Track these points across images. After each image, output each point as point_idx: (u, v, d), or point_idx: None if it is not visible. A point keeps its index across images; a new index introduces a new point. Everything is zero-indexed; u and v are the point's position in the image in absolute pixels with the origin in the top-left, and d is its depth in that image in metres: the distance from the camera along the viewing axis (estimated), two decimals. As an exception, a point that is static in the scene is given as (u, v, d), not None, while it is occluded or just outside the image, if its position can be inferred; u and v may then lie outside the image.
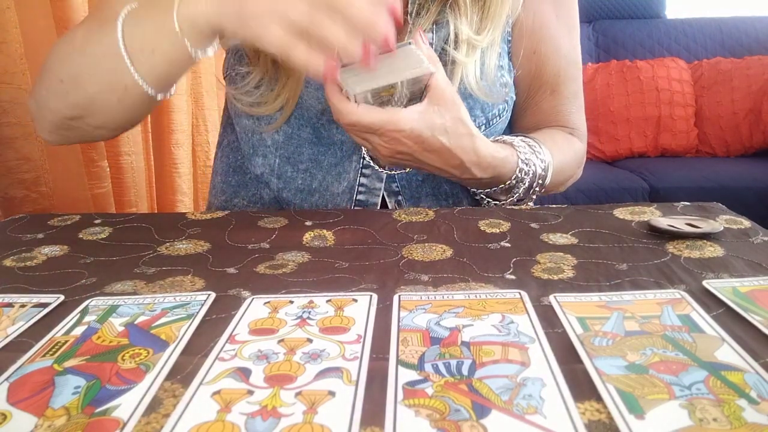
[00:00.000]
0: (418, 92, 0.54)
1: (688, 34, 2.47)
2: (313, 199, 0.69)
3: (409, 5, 0.64)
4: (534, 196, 0.66)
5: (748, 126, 2.26)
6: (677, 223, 0.51)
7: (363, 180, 0.68)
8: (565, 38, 0.72)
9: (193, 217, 0.59)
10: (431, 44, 0.63)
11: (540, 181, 0.64)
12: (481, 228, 0.54)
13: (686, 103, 2.31)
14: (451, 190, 0.70)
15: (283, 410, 0.28)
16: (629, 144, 2.31)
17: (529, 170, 0.63)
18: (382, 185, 0.68)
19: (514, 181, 0.62)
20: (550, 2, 0.70)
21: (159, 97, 0.55)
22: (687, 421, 0.26)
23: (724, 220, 0.54)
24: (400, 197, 0.69)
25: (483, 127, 0.67)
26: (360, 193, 0.68)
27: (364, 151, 0.67)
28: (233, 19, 0.48)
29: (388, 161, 0.59)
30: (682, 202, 0.59)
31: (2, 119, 0.80)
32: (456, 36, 0.63)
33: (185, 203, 1.33)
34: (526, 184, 0.63)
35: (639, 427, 0.26)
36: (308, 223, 0.56)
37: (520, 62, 0.70)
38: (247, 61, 0.66)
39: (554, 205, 0.62)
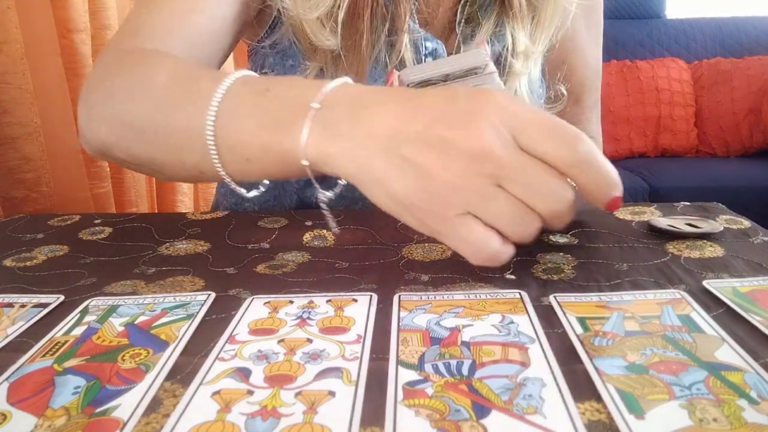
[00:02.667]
0: None
1: (688, 34, 2.47)
2: (357, 207, 0.67)
3: (459, 14, 0.64)
4: None
5: (748, 126, 2.26)
6: (677, 223, 0.51)
7: None
8: (592, 48, 0.72)
9: (193, 217, 0.59)
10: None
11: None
12: (481, 228, 0.54)
13: (686, 103, 2.31)
14: None
15: (283, 410, 0.28)
16: (629, 144, 2.31)
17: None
18: None
19: None
20: (583, 12, 0.69)
21: (251, 194, 0.47)
22: (687, 421, 0.26)
23: (724, 220, 0.54)
24: None
25: None
26: None
27: None
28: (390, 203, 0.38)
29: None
30: (682, 202, 0.59)
31: (3, 119, 0.80)
32: (514, 47, 0.63)
33: (185, 203, 1.33)
34: None
35: (639, 427, 0.26)
36: (308, 223, 0.56)
37: (551, 72, 0.69)
38: (294, 54, 0.63)
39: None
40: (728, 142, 2.30)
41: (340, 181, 0.42)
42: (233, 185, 0.45)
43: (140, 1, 0.59)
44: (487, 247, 0.35)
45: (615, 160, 2.31)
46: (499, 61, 0.64)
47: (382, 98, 0.38)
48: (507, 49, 0.63)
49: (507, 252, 0.37)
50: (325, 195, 0.43)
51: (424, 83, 0.50)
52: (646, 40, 2.46)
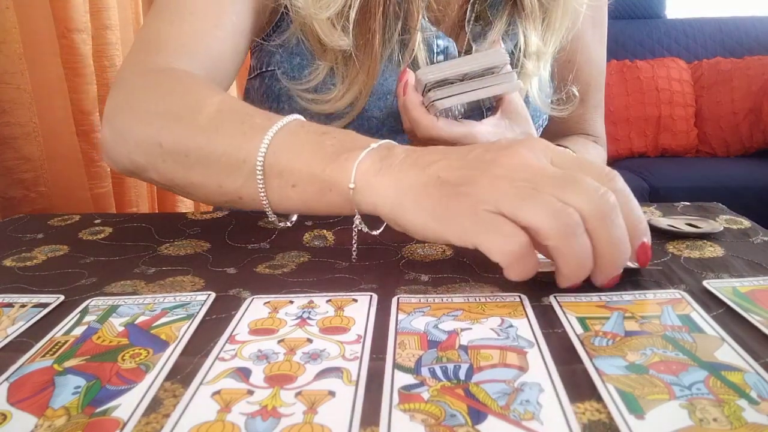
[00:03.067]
0: (485, 102, 0.54)
1: (688, 34, 2.47)
2: None
3: (468, 12, 0.63)
4: None
5: (748, 126, 2.26)
6: (677, 223, 0.51)
7: None
8: (598, 48, 0.72)
9: (193, 217, 0.59)
10: None
11: None
12: (481, 228, 0.54)
13: (686, 103, 2.31)
14: None
15: (283, 410, 0.28)
16: (629, 144, 2.31)
17: None
18: None
19: None
20: (590, 11, 0.69)
21: (281, 225, 0.48)
22: (687, 421, 0.26)
23: (724, 220, 0.54)
24: None
25: None
26: None
27: None
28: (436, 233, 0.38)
29: None
30: (682, 202, 0.59)
31: (1, 119, 0.80)
32: (526, 47, 0.63)
33: (185, 203, 1.33)
34: None
35: (639, 427, 0.26)
36: (308, 223, 0.56)
37: (558, 71, 0.69)
38: (302, 52, 0.62)
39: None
40: (728, 142, 2.29)
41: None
42: (269, 212, 0.46)
43: (158, 14, 0.57)
44: (518, 241, 0.35)
45: (615, 160, 2.31)
46: (511, 61, 0.64)
47: (437, 152, 0.40)
48: (519, 50, 0.63)
49: (533, 261, 0.36)
50: (363, 225, 0.44)
51: (442, 82, 0.50)
52: (646, 40, 2.46)
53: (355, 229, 0.45)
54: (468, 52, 0.62)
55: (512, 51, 0.63)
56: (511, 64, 0.62)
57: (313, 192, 0.43)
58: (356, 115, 0.63)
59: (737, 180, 2.02)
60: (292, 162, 0.43)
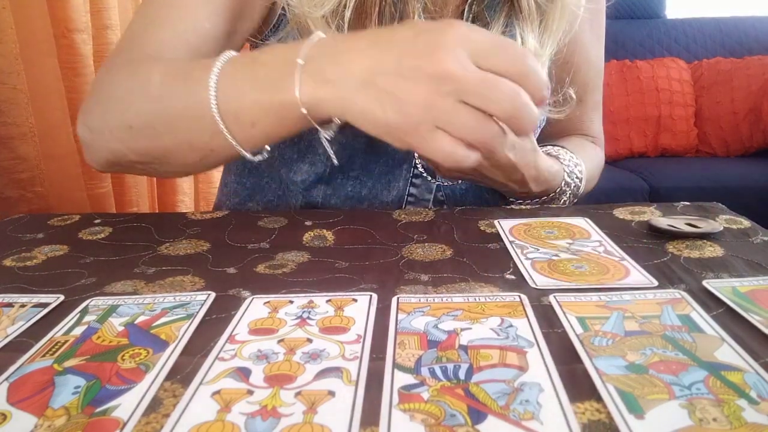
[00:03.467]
0: None
1: (688, 34, 2.47)
2: (362, 207, 0.68)
3: (466, 12, 0.64)
4: (566, 203, 0.67)
5: (748, 126, 2.26)
6: (677, 223, 0.51)
7: (413, 190, 0.67)
8: (595, 48, 0.72)
9: (193, 217, 0.59)
10: None
11: (575, 191, 0.65)
12: (481, 228, 0.54)
13: (686, 103, 2.31)
14: (492, 199, 0.71)
15: (283, 410, 0.28)
16: (629, 144, 2.31)
17: (571, 182, 0.64)
18: (431, 196, 0.68)
19: (557, 193, 0.63)
20: (587, 12, 0.69)
21: (257, 158, 0.50)
22: (687, 421, 0.26)
23: (724, 220, 0.54)
24: (445, 206, 0.69)
25: None
26: (409, 203, 0.68)
27: (416, 160, 0.66)
28: (373, 125, 0.42)
29: (449, 174, 0.59)
30: (682, 202, 0.59)
31: (-1, 119, 0.80)
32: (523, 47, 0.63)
33: (186, 203, 1.33)
34: (567, 195, 0.64)
35: (639, 427, 0.26)
36: (308, 223, 0.56)
37: (556, 72, 0.69)
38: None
39: (554, 205, 0.62)
40: (728, 142, 2.29)
41: (335, 120, 0.46)
42: (245, 153, 0.49)
43: (132, 23, 0.60)
44: (453, 154, 0.40)
45: (615, 160, 2.31)
46: None
47: (355, 43, 0.43)
48: None
49: (472, 156, 0.41)
50: (326, 133, 0.48)
51: None
52: (646, 40, 2.46)
53: (325, 140, 0.49)
54: None
55: None
56: None
57: (272, 124, 0.46)
58: None
59: (737, 180, 2.02)
60: (240, 102, 0.46)
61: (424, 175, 0.67)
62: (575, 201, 0.67)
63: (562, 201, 0.65)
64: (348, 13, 0.58)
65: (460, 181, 0.67)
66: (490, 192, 0.70)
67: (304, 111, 0.44)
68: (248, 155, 0.49)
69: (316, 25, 0.58)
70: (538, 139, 0.74)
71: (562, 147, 0.67)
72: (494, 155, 0.55)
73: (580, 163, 0.66)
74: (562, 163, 0.64)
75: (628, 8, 2.54)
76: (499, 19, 0.63)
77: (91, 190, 0.97)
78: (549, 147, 0.67)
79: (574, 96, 0.68)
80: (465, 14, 0.63)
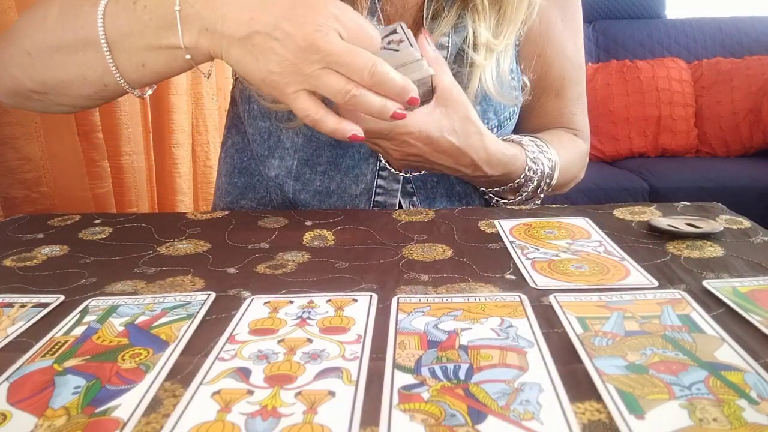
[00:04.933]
0: (427, 94, 0.55)
1: (688, 34, 2.47)
2: (331, 201, 0.69)
3: (425, 9, 0.64)
4: (542, 196, 0.66)
5: (748, 126, 2.26)
6: (677, 223, 0.51)
7: (380, 182, 0.68)
8: (570, 41, 0.72)
9: (193, 217, 0.59)
10: (447, 47, 0.63)
11: (548, 180, 0.65)
12: (481, 228, 0.54)
13: (686, 103, 2.31)
14: (464, 191, 0.71)
15: (283, 410, 0.28)
16: (629, 144, 2.31)
17: (537, 169, 0.63)
18: (399, 186, 0.68)
19: (523, 180, 0.63)
20: (556, 6, 0.70)
21: (146, 94, 0.55)
22: (687, 421, 0.26)
23: (724, 220, 0.54)
24: (415, 198, 0.69)
25: (495, 130, 0.68)
26: (378, 194, 0.68)
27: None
28: (249, 75, 0.47)
29: (400, 164, 0.59)
30: (682, 202, 0.59)
31: (3, 119, 0.80)
32: (475, 39, 0.63)
33: (185, 203, 1.33)
34: (535, 183, 0.64)
35: (639, 427, 0.26)
36: (308, 223, 0.56)
37: (526, 65, 0.70)
38: None
39: (554, 205, 0.62)
40: (728, 142, 2.29)
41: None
42: (133, 91, 0.54)
43: None
44: (312, 112, 0.46)
45: (615, 160, 2.31)
46: (460, 53, 0.64)
47: (244, 7, 0.46)
48: (467, 42, 0.63)
49: (331, 121, 0.47)
50: (205, 73, 0.58)
51: None
52: (646, 40, 2.46)
53: (205, 77, 0.58)
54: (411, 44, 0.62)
55: (460, 44, 0.64)
56: (460, 58, 0.63)
57: (161, 65, 0.51)
58: None
59: (737, 180, 2.01)
60: (129, 44, 0.50)
61: (390, 167, 0.67)
62: (549, 190, 0.67)
63: (530, 189, 0.64)
64: None
65: (422, 171, 0.67)
66: (461, 184, 0.70)
67: (188, 57, 0.49)
68: (137, 92, 0.54)
69: None
70: (516, 133, 0.74)
71: (533, 136, 0.67)
72: (432, 141, 0.55)
73: (549, 150, 0.65)
74: (524, 148, 0.63)
75: (628, 8, 2.54)
76: (450, 12, 0.63)
77: (92, 190, 0.97)
78: (515, 135, 0.67)
79: (528, 83, 0.69)
80: (425, 11, 0.64)
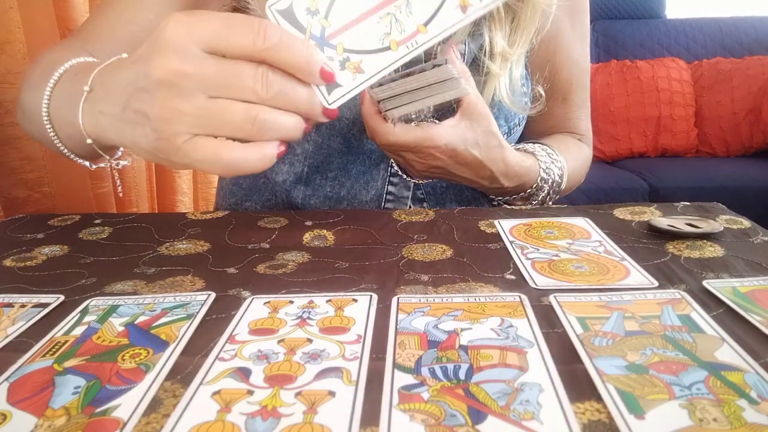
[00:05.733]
0: (445, 105, 0.55)
1: (688, 34, 2.47)
2: (341, 207, 0.69)
3: None
4: (550, 203, 0.67)
5: (748, 126, 2.26)
6: (677, 223, 0.51)
7: (391, 188, 0.68)
8: (578, 46, 0.72)
9: (193, 217, 0.59)
10: (463, 55, 0.63)
11: (556, 188, 0.65)
12: (481, 228, 0.54)
13: (686, 103, 2.31)
14: (473, 196, 0.71)
15: (283, 410, 0.28)
16: (629, 144, 2.31)
17: (548, 178, 0.64)
18: (410, 194, 0.68)
19: (534, 189, 0.64)
20: (566, 10, 0.70)
21: (101, 165, 0.52)
22: (687, 421, 0.26)
23: (724, 220, 0.54)
24: (425, 204, 0.69)
25: (506, 136, 0.68)
26: (388, 201, 0.68)
27: (392, 160, 0.67)
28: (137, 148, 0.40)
29: (421, 175, 0.60)
30: (682, 202, 0.59)
31: (5, 119, 0.80)
32: (491, 48, 0.63)
33: (185, 203, 1.33)
34: (545, 192, 0.65)
35: (639, 427, 0.26)
36: (308, 223, 0.56)
37: (539, 73, 0.70)
38: None
39: (554, 205, 0.62)
40: (728, 142, 2.29)
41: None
42: (76, 159, 0.52)
43: (102, 3, 0.64)
44: (221, 156, 0.36)
45: (615, 160, 2.31)
46: (475, 61, 0.64)
47: (117, 68, 0.42)
48: (484, 51, 0.63)
49: (253, 154, 0.37)
50: (113, 161, 0.51)
51: (393, 97, 0.52)
52: (646, 40, 2.46)
53: (111, 169, 0.52)
54: (436, 55, 0.62)
55: (477, 53, 0.63)
56: (475, 66, 0.63)
57: (77, 142, 0.47)
58: None
59: (737, 180, 2.02)
60: (57, 116, 0.49)
61: (401, 174, 0.67)
62: (557, 197, 0.67)
63: (540, 197, 0.65)
64: None
65: (433, 180, 0.68)
66: (470, 189, 0.70)
67: (89, 141, 0.45)
68: (84, 162, 0.53)
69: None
70: (521, 137, 0.74)
71: (541, 143, 0.67)
72: (456, 154, 0.55)
73: (559, 159, 0.66)
74: (537, 159, 0.64)
75: (628, 8, 2.54)
76: None
77: (92, 190, 0.97)
78: (527, 144, 0.67)
79: (543, 93, 0.69)
80: None
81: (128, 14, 0.60)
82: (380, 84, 0.52)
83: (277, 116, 0.36)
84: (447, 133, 0.54)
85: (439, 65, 0.51)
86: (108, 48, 0.57)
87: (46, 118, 0.49)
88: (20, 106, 0.56)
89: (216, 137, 0.36)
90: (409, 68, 0.50)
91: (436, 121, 0.55)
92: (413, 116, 0.55)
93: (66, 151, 0.51)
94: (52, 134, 0.50)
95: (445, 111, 0.56)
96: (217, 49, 0.35)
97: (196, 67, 0.35)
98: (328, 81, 0.37)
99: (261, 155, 0.37)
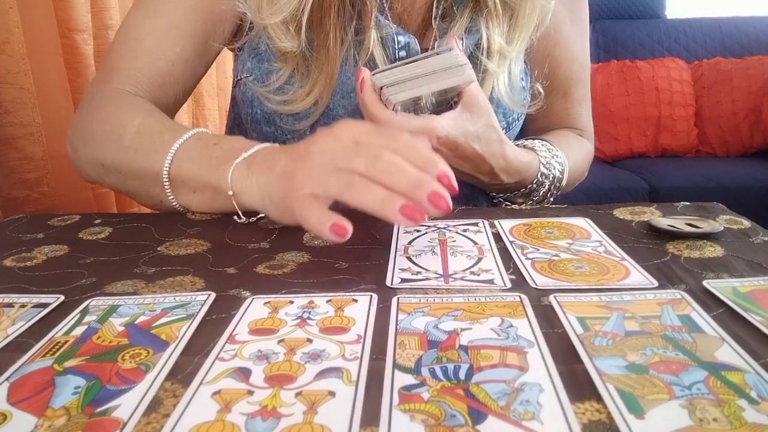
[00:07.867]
0: (446, 98, 0.54)
1: (688, 34, 2.47)
2: (339, 205, 0.69)
3: (434, 9, 0.63)
4: (551, 199, 0.67)
5: (748, 126, 2.26)
6: (677, 223, 0.51)
7: None
8: (577, 42, 0.72)
9: (193, 217, 0.59)
10: (460, 50, 0.63)
11: (557, 184, 0.65)
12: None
13: (686, 103, 2.31)
14: (471, 193, 0.71)
15: (283, 410, 0.28)
16: (629, 144, 2.31)
17: (549, 174, 0.64)
18: None
19: (535, 185, 0.63)
20: (564, 5, 0.69)
21: (197, 215, 0.58)
22: (687, 421, 0.26)
23: (724, 220, 0.54)
24: None
25: (504, 131, 0.68)
26: None
27: None
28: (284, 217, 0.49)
29: None
30: (682, 202, 0.59)
31: (4, 119, 0.80)
32: (488, 45, 0.63)
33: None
34: (546, 187, 0.64)
35: (639, 427, 0.26)
36: (308, 223, 0.56)
37: (538, 69, 0.70)
38: (270, 57, 0.64)
39: (554, 205, 0.62)
40: (728, 142, 2.29)
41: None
42: (185, 211, 0.58)
43: (113, 47, 0.66)
44: (323, 217, 0.43)
45: (615, 160, 2.31)
46: (472, 57, 0.63)
47: (282, 153, 0.50)
48: (481, 48, 0.63)
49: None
50: (242, 218, 0.56)
51: (396, 84, 0.51)
52: (646, 40, 2.46)
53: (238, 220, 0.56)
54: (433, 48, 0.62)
55: (472, 50, 0.63)
56: (472, 63, 0.63)
57: (208, 197, 0.55)
58: (321, 114, 0.64)
59: (737, 180, 2.02)
60: (189, 173, 0.54)
61: None
62: (558, 193, 0.67)
63: (541, 193, 0.65)
64: (305, 17, 0.60)
65: None
66: (468, 186, 0.70)
67: (230, 193, 0.52)
68: (190, 213, 0.58)
69: (275, 30, 0.60)
70: (522, 133, 0.74)
71: (541, 139, 0.67)
72: (457, 146, 0.55)
73: (559, 154, 0.66)
74: (537, 154, 0.63)
75: (628, 8, 2.54)
76: (463, 14, 0.63)
77: (93, 190, 0.97)
78: (527, 140, 0.67)
79: (542, 91, 0.69)
80: (434, 10, 0.63)
81: (158, 52, 0.62)
82: (383, 71, 0.52)
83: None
84: (448, 124, 0.54)
85: (444, 52, 0.51)
86: (141, 86, 0.62)
87: (166, 175, 0.55)
88: (94, 159, 0.59)
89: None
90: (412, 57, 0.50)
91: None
92: (414, 107, 0.54)
93: (176, 203, 0.57)
94: (167, 189, 0.56)
95: (445, 108, 0.55)
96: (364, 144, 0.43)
97: (336, 146, 0.44)
98: (438, 207, 0.43)
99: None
